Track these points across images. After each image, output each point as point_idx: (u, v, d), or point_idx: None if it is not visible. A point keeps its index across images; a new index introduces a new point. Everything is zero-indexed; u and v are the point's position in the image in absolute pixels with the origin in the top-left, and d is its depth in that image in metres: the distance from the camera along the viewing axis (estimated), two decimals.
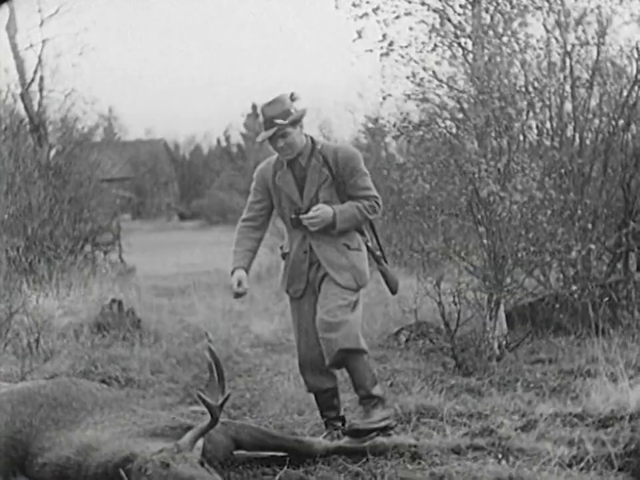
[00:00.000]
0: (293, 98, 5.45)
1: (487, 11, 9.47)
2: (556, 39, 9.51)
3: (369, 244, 5.64)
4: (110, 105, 43.10)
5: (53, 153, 16.82)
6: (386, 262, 5.76)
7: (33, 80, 17.67)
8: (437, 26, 9.57)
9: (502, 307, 8.30)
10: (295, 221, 5.47)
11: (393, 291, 5.83)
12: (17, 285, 10.44)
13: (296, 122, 5.41)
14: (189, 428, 4.46)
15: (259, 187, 5.64)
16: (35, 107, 17.51)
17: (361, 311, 5.59)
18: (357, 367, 5.42)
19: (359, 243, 5.56)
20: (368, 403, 5.45)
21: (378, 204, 5.49)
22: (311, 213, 5.38)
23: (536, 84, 9.15)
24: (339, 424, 5.67)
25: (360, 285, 5.51)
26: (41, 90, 17.74)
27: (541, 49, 9.44)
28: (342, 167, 5.42)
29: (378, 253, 5.69)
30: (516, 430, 5.54)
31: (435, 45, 9.56)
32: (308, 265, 5.53)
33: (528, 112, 9.27)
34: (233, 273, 5.51)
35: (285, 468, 4.91)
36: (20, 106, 17.09)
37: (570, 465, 4.78)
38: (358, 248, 5.54)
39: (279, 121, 5.33)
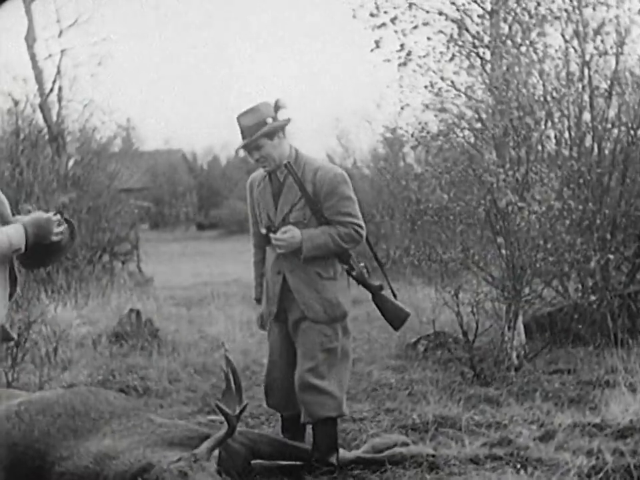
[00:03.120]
0: (277, 106, 5.12)
1: (505, 20, 9.47)
2: (574, 48, 9.49)
3: (354, 273, 5.16)
4: (128, 115, 43.47)
5: (71, 162, 16.94)
6: (393, 293, 5.32)
7: (51, 90, 17.83)
8: (455, 36, 9.59)
9: (520, 317, 8.27)
10: (267, 237, 5.14)
11: (394, 326, 5.33)
12: (35, 294, 10.47)
13: (272, 134, 5.04)
14: (207, 437, 4.46)
15: (249, 201, 5.38)
16: (54, 117, 17.65)
17: (350, 357, 5.31)
18: (326, 430, 5.14)
19: (335, 272, 5.13)
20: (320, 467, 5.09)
21: (358, 232, 5.05)
22: (278, 234, 5.02)
23: (554, 94, 9.13)
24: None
25: (332, 318, 5.09)
26: (59, 100, 17.89)
27: (559, 58, 9.43)
28: (319, 187, 5.03)
29: (376, 283, 5.22)
30: (534, 440, 5.52)
31: (453, 55, 9.57)
32: (280, 288, 5.18)
33: (546, 122, 9.25)
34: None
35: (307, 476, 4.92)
36: (39, 116, 17.24)
37: (589, 476, 4.77)
38: (333, 277, 5.12)
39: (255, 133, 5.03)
